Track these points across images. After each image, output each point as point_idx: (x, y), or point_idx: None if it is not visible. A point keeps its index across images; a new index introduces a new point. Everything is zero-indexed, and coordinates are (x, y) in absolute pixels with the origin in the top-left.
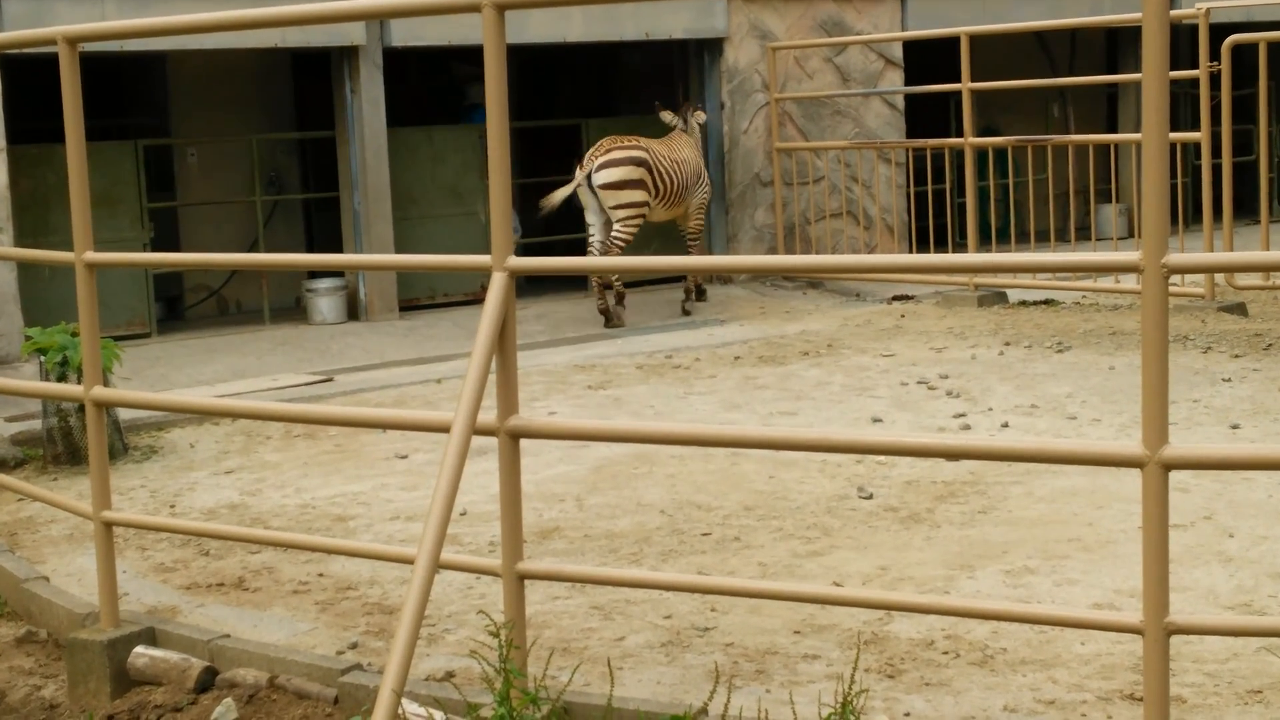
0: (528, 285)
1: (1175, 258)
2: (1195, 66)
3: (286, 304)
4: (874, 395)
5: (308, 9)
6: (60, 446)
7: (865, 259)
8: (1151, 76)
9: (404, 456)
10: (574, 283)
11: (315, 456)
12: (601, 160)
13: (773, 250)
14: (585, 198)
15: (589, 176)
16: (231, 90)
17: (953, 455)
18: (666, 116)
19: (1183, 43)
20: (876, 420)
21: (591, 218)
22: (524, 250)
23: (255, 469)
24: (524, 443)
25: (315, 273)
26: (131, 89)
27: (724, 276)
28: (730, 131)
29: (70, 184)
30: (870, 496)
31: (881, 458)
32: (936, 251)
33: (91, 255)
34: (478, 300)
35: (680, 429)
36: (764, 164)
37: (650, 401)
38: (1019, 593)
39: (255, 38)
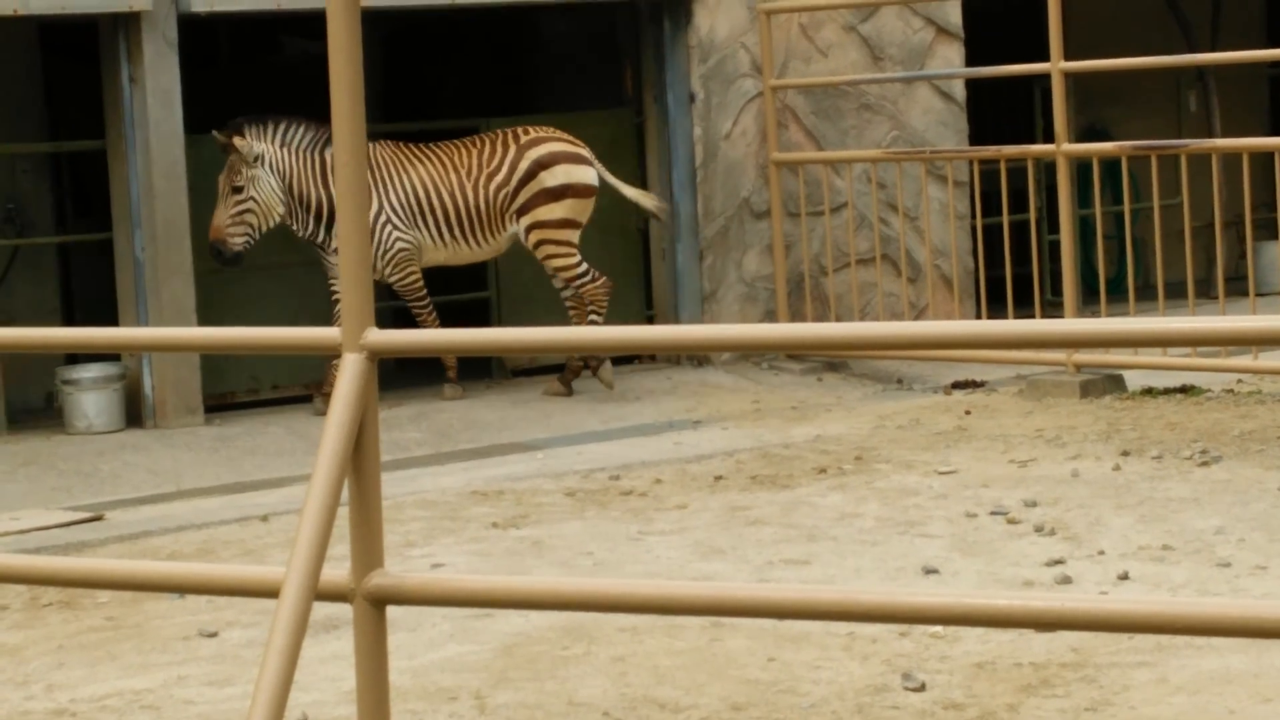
0: (399, 372)
1: None
2: None
3: (32, 403)
4: (926, 533)
5: None
6: None
7: (911, 328)
8: None
9: (212, 634)
10: (470, 368)
11: (77, 636)
12: None
13: (771, 315)
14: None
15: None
16: None
17: (1046, 624)
18: (242, 144)
19: None
20: (930, 571)
21: None
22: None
23: None
24: (395, 612)
25: (76, 356)
26: None
27: (697, 355)
28: (705, 136)
29: None
30: (921, 688)
31: (938, 628)
32: (1017, 315)
33: None
34: (325, 395)
35: (633, 587)
36: (756, 185)
37: (587, 546)
38: None
39: None
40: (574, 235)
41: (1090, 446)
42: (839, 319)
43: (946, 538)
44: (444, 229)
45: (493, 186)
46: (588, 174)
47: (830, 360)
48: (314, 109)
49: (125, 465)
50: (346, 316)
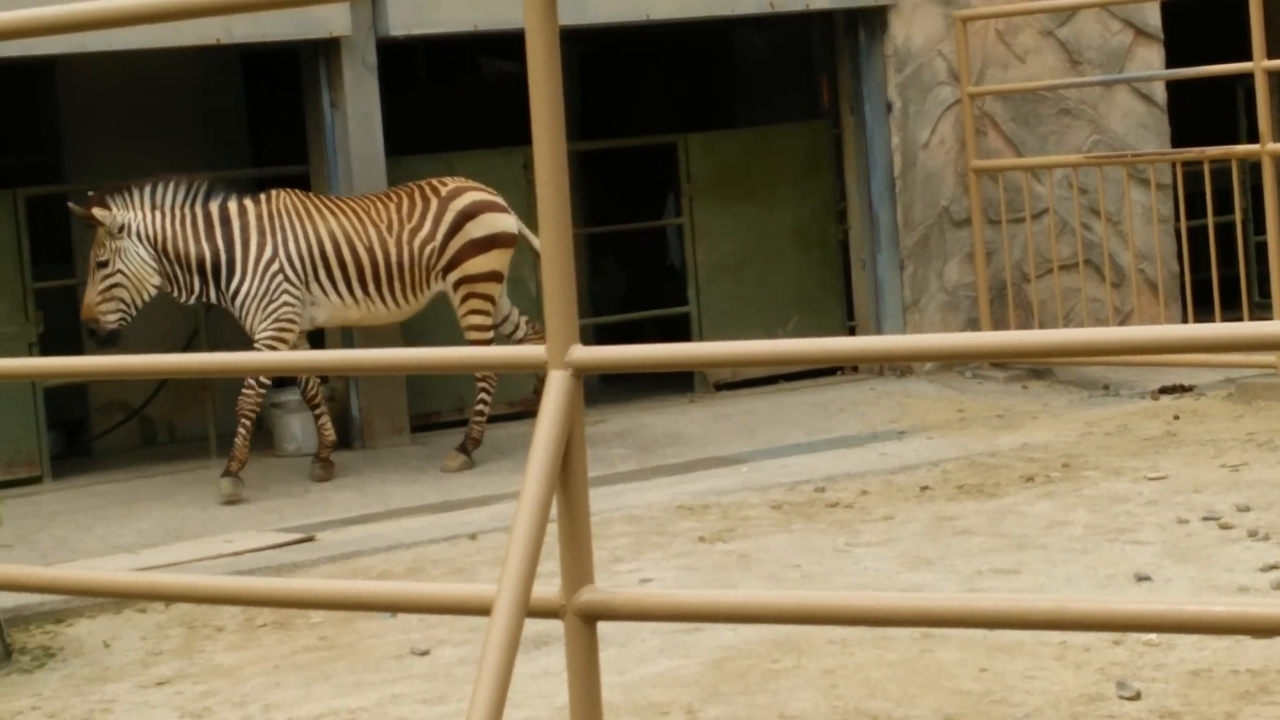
0: (603, 388)
1: None
2: None
3: None
4: (1137, 540)
5: None
6: None
7: (1116, 333)
8: None
9: (424, 652)
10: (672, 382)
11: (291, 656)
12: None
13: (973, 323)
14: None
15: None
16: (153, 110)
17: (1263, 630)
18: (103, 216)
19: None
20: (1142, 579)
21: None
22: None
23: (201, 677)
24: (605, 628)
25: (284, 380)
26: (6, 112)
27: (900, 365)
28: (903, 145)
29: None
30: (1136, 696)
31: (1152, 636)
32: (1224, 318)
33: None
34: (529, 413)
35: (841, 600)
36: (956, 193)
37: (794, 558)
38: None
39: (187, 31)
40: (497, 290)
41: None
42: (1042, 326)
43: (1158, 544)
44: (357, 286)
45: (417, 242)
46: (510, 223)
47: (1035, 367)
48: (514, 129)
49: (334, 486)
50: (552, 335)
